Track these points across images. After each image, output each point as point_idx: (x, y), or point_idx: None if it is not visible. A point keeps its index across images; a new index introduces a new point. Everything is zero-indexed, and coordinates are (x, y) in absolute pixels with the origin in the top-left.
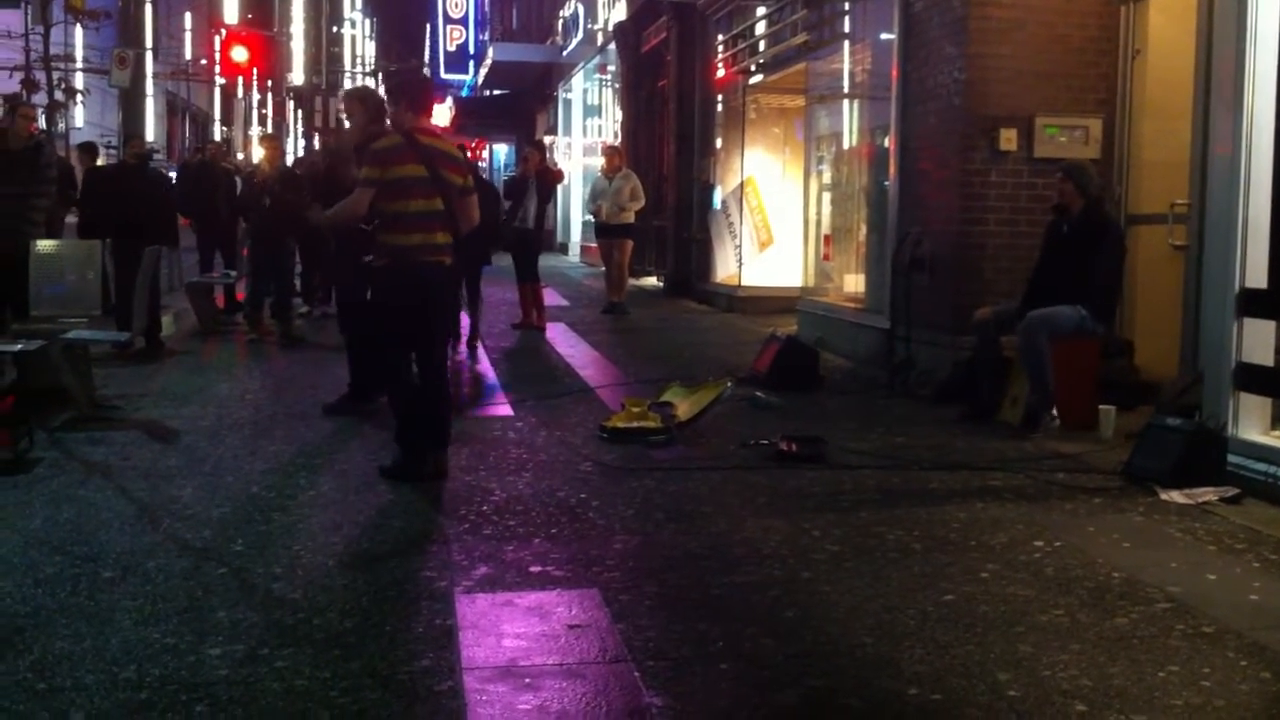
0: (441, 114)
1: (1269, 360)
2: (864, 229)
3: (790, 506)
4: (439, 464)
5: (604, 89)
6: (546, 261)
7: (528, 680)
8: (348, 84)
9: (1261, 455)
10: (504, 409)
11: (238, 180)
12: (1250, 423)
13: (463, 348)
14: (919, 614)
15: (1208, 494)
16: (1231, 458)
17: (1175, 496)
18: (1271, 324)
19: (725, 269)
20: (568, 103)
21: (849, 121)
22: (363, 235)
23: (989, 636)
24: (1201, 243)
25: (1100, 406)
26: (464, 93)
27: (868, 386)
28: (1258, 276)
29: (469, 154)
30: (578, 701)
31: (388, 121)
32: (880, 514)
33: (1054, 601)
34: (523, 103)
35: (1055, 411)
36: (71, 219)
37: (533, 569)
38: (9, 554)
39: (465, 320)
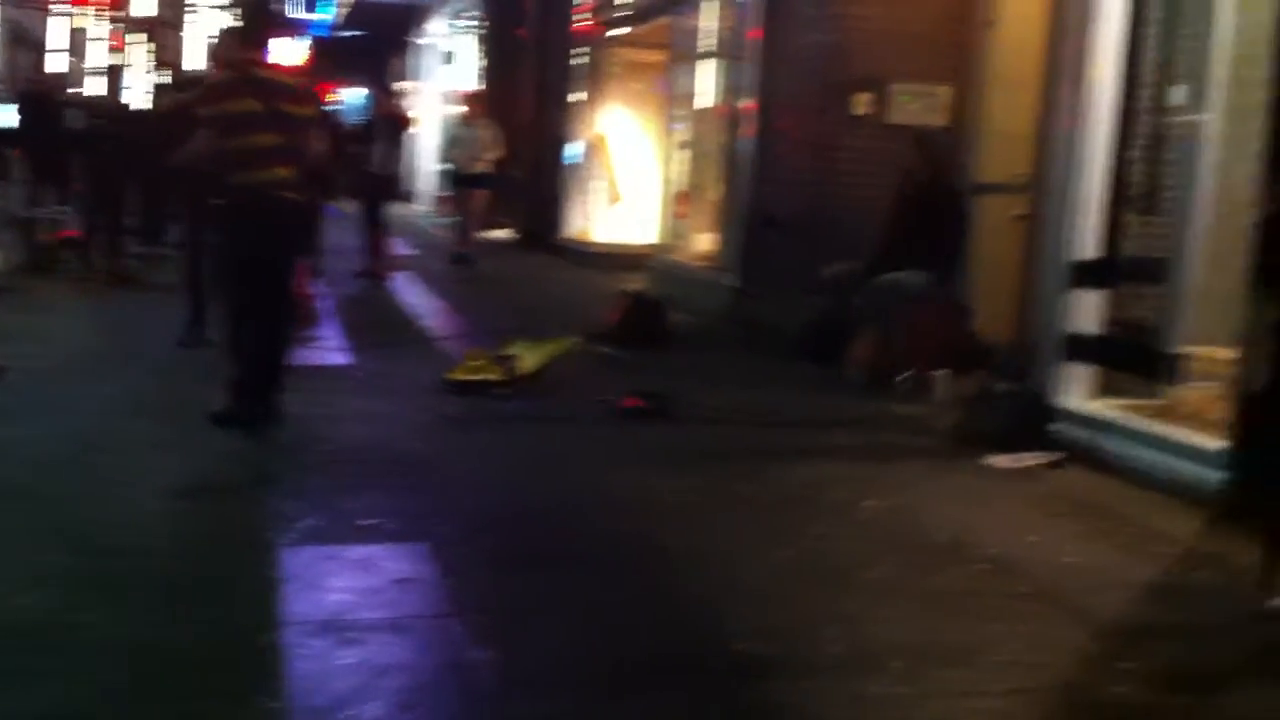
0: (298, 53)
1: (1096, 330)
2: (717, 186)
3: (633, 462)
4: (273, 410)
5: (461, 37)
6: (395, 210)
7: (351, 634)
8: (193, 18)
9: (1084, 422)
10: (343, 357)
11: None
12: (1076, 390)
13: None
14: (754, 570)
15: (1032, 459)
16: (1057, 423)
17: (1002, 460)
18: (1099, 295)
19: (578, 224)
20: (425, 49)
21: (709, 80)
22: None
23: (819, 592)
24: (1039, 213)
25: (939, 370)
26: (321, 32)
27: (717, 344)
28: (1089, 249)
29: (320, 93)
30: (401, 656)
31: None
32: (723, 470)
33: (882, 559)
34: (380, 46)
35: (899, 373)
36: None
37: (363, 521)
38: None
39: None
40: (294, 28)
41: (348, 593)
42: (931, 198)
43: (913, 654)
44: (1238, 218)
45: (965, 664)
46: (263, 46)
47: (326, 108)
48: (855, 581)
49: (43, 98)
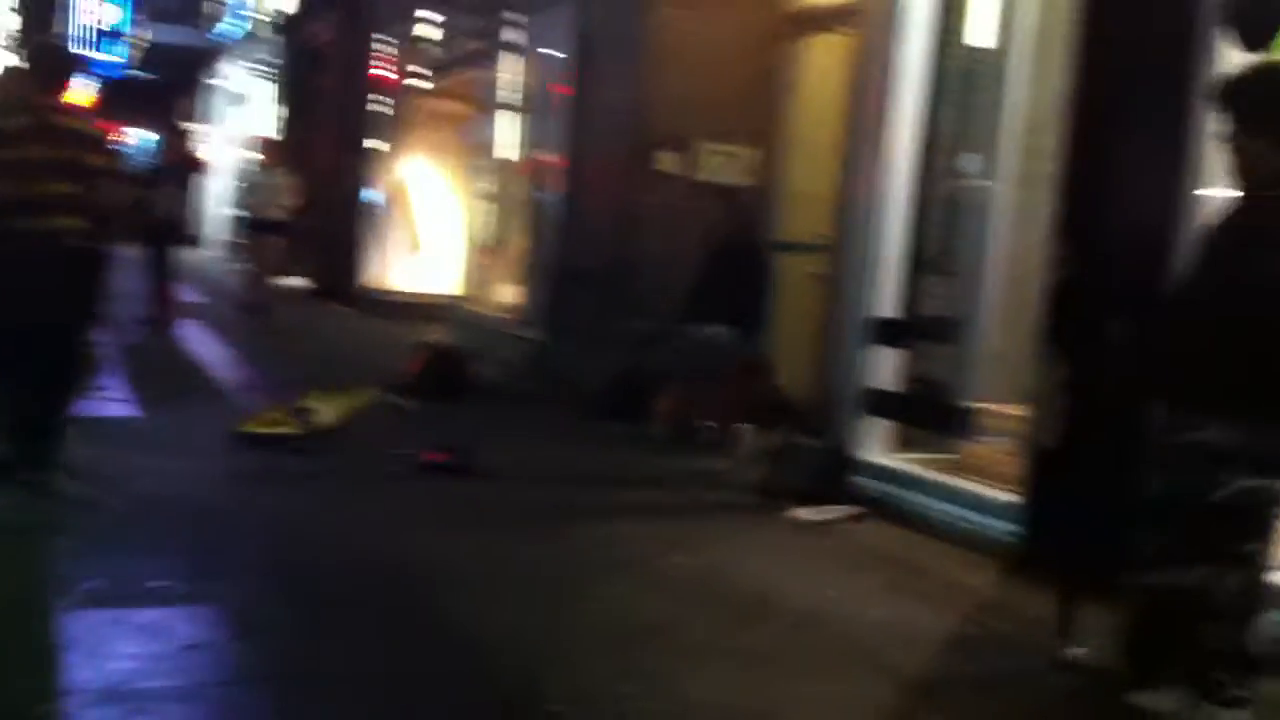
0: (86, 94)
1: (894, 386)
2: (523, 240)
3: (434, 520)
4: (51, 460)
5: (257, 81)
6: (184, 255)
7: (136, 704)
8: None
9: (884, 476)
10: (129, 409)
11: None
12: (875, 445)
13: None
14: (561, 632)
15: (834, 512)
16: (858, 478)
17: (805, 514)
18: (897, 352)
19: (377, 273)
20: (217, 91)
21: (512, 133)
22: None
23: (627, 653)
24: (838, 273)
25: (743, 425)
26: (111, 74)
27: (520, 398)
28: (889, 307)
29: (111, 138)
30: None
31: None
32: (526, 529)
33: (690, 617)
34: (172, 88)
35: (703, 429)
36: None
37: (151, 584)
38: None
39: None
40: (88, 69)
41: (133, 659)
42: (736, 255)
43: (723, 714)
44: (1027, 281)
45: None
46: (61, 91)
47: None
48: (664, 641)
49: None
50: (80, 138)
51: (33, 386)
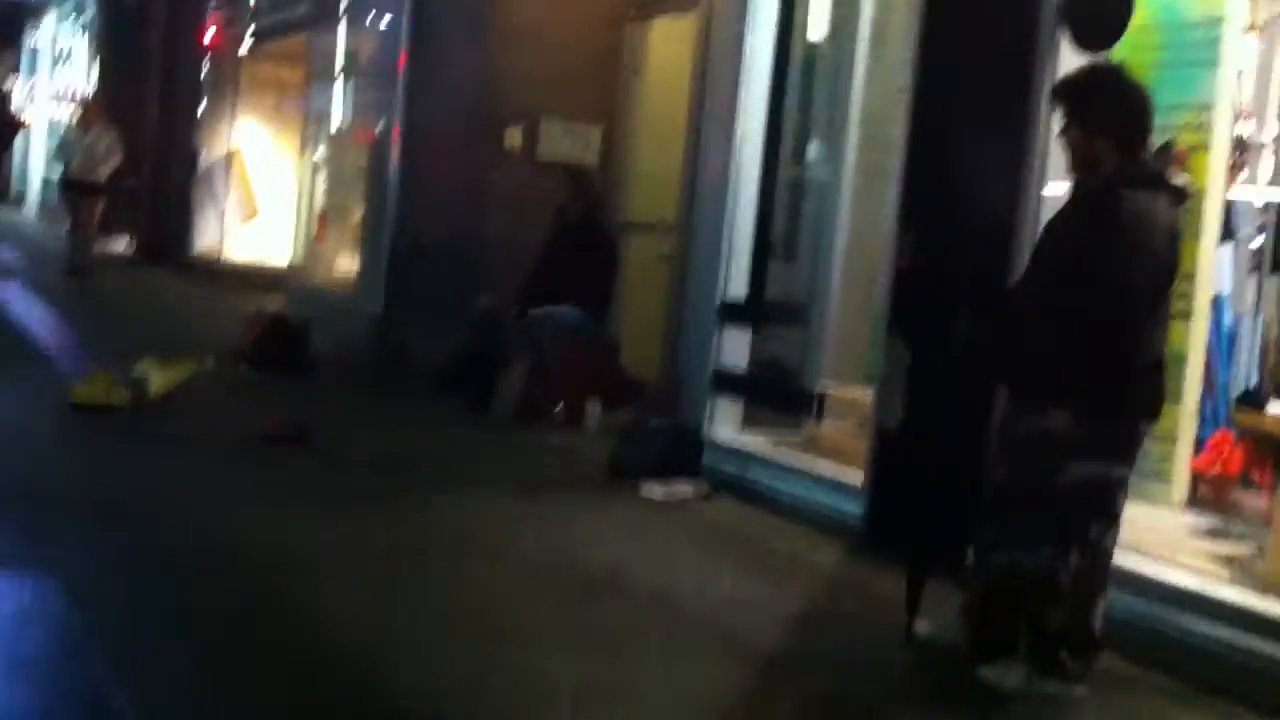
0: None
1: (742, 367)
2: (359, 210)
3: (275, 496)
4: None
5: (79, 36)
6: (4, 215)
7: None
8: None
9: (733, 455)
10: None
11: None
12: (724, 424)
13: None
14: (408, 619)
15: (685, 489)
16: (707, 457)
17: (656, 492)
18: (746, 333)
19: (208, 240)
20: (36, 48)
21: (350, 102)
22: None
23: (478, 639)
24: (687, 254)
25: (588, 403)
26: None
27: (360, 372)
28: (737, 289)
29: None
30: (27, 699)
31: None
32: (369, 511)
33: (538, 598)
34: None
35: (552, 406)
36: None
37: None
38: None
39: None
40: None
41: None
42: (583, 234)
43: (579, 695)
44: (872, 267)
45: (633, 701)
46: None
47: None
48: (515, 625)
49: None
50: None
51: None
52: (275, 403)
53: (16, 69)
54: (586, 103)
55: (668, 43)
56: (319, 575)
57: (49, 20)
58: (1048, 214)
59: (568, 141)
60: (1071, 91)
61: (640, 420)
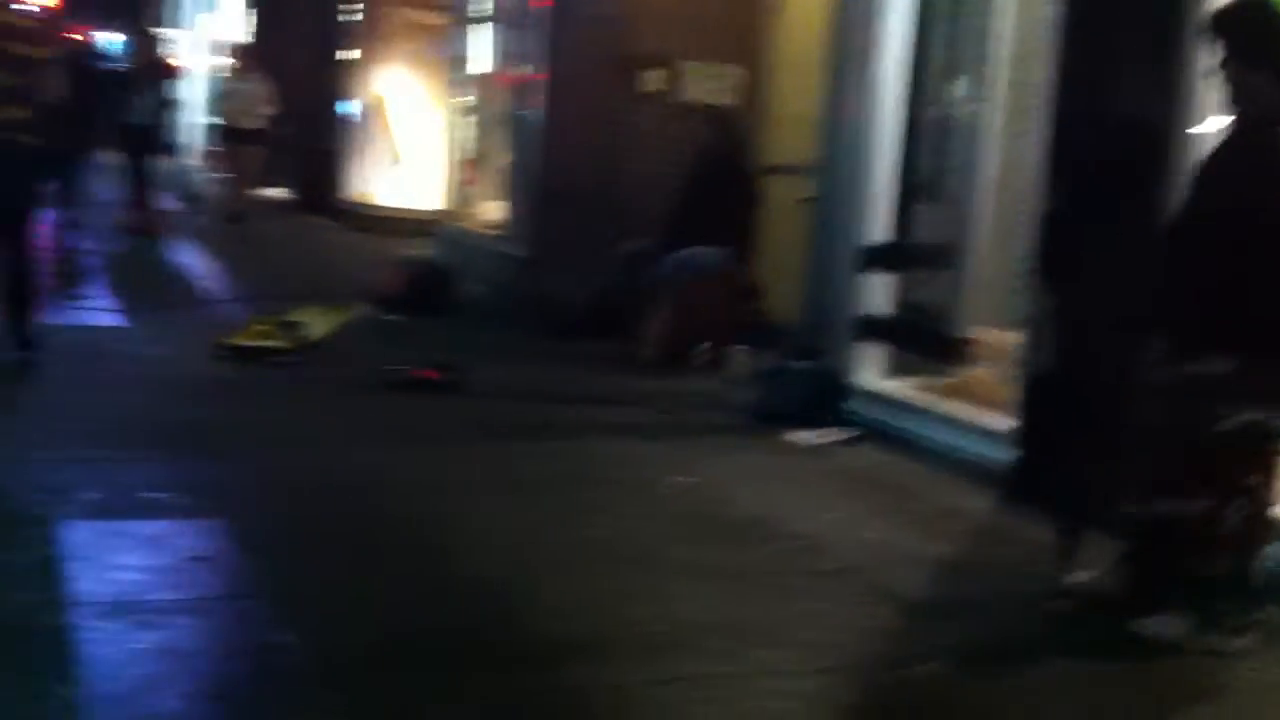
0: None
1: (886, 312)
2: (505, 156)
3: (426, 436)
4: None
5: None
6: (163, 163)
7: (144, 616)
8: None
9: (878, 401)
10: (114, 318)
11: None
12: (868, 369)
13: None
14: (559, 550)
15: (829, 435)
16: (851, 402)
17: (800, 437)
18: (889, 277)
19: (359, 186)
20: None
21: (492, 46)
22: None
23: (622, 573)
24: (826, 197)
25: (733, 346)
26: None
27: (505, 316)
28: (880, 232)
29: (79, 39)
30: (200, 639)
31: None
32: (519, 447)
33: (686, 539)
34: None
35: (694, 349)
36: None
37: (147, 495)
38: None
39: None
40: None
41: (139, 571)
42: (724, 176)
43: (722, 633)
44: (1018, 206)
45: (775, 643)
46: None
47: (77, 50)
48: (659, 561)
49: None
50: (15, 31)
51: None
52: (423, 346)
53: (166, 16)
54: (726, 43)
55: None
56: (468, 504)
57: None
58: (1199, 151)
59: (708, 83)
60: (1226, 23)
61: (783, 364)
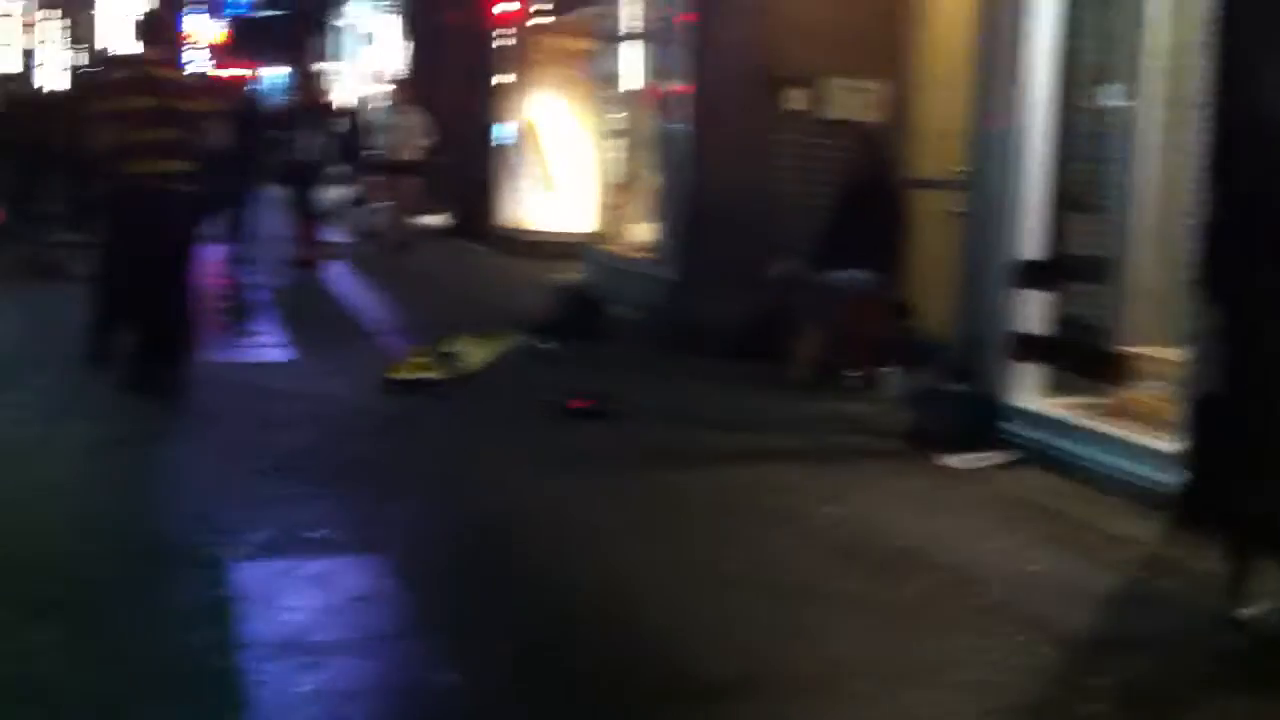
0: (214, 33)
1: (1042, 329)
2: (653, 178)
3: (577, 467)
4: (171, 381)
5: (384, 17)
6: (326, 196)
7: (312, 657)
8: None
9: (1035, 422)
10: (280, 353)
11: None
12: (1025, 388)
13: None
14: (708, 584)
15: (986, 459)
16: (1008, 424)
17: (954, 461)
18: (1045, 293)
19: (510, 211)
20: (342, 30)
21: (640, 69)
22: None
23: (777, 607)
24: (976, 212)
25: (883, 368)
26: (237, 10)
27: (655, 339)
28: (1032, 246)
29: (243, 78)
30: (364, 680)
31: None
32: (668, 476)
33: (840, 570)
34: (298, 27)
35: (846, 371)
36: None
37: (313, 533)
38: None
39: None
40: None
41: (305, 611)
42: (872, 193)
43: (880, 673)
44: (1178, 215)
45: (934, 684)
46: (158, 45)
47: (240, 96)
48: (813, 595)
49: None
50: (174, 86)
51: (150, 318)
52: (577, 374)
53: (326, 50)
54: (871, 58)
55: None
56: (622, 538)
57: (355, 3)
58: None
59: (853, 99)
60: None
61: (936, 385)
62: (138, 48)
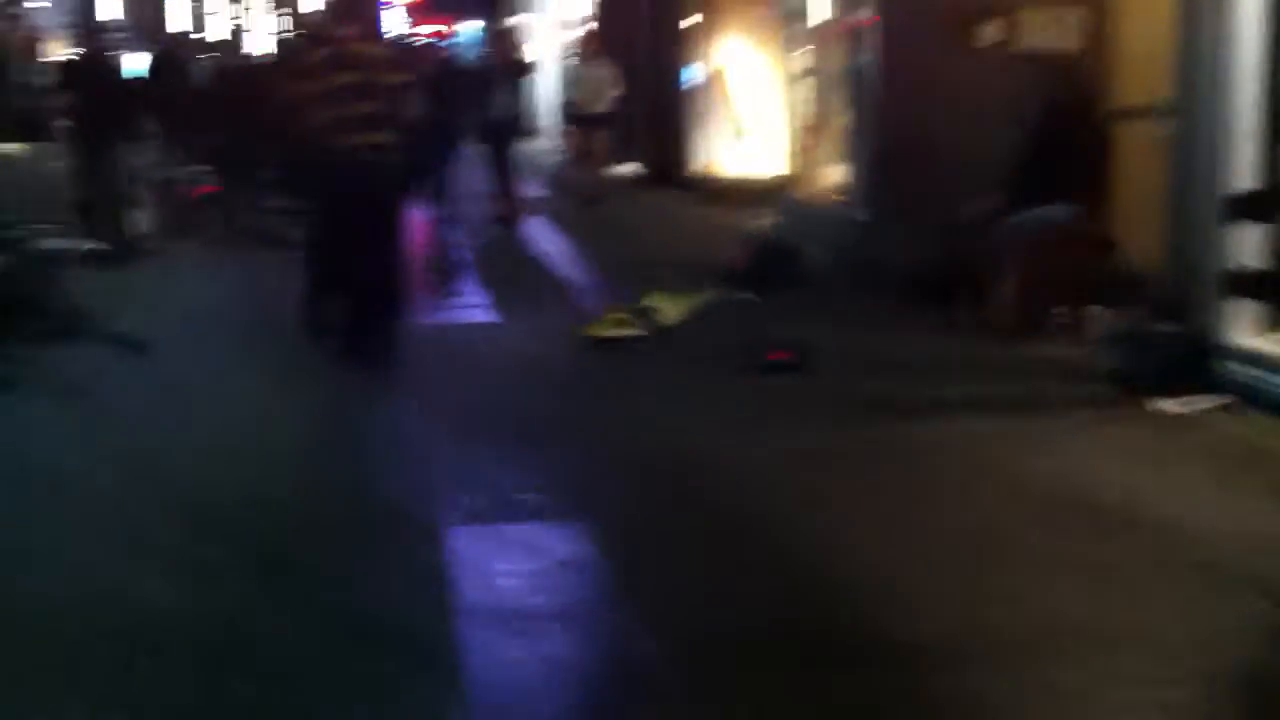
0: None
1: (1258, 263)
2: (843, 119)
3: (776, 421)
4: (382, 348)
5: None
6: (522, 151)
7: (520, 624)
8: None
9: (1253, 360)
10: (482, 314)
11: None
12: (1240, 327)
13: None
14: (912, 542)
15: (1199, 403)
16: (1222, 366)
17: (1166, 405)
18: (1260, 227)
19: (702, 158)
20: None
21: (828, 4)
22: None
23: (978, 566)
24: (1185, 141)
25: (1087, 308)
26: None
27: (850, 285)
28: (1244, 178)
29: (439, 34)
30: (571, 648)
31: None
32: (867, 430)
33: (1047, 526)
34: None
35: (1046, 313)
36: None
37: (520, 496)
38: None
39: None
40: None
41: (514, 577)
42: (1070, 126)
43: (1083, 635)
44: None
45: (1141, 647)
46: (355, 22)
47: (435, 61)
48: (1017, 552)
49: (170, 56)
50: (374, 61)
51: (361, 287)
52: (773, 324)
53: (520, 4)
54: None
55: None
56: (819, 494)
57: None
58: None
59: (1048, 28)
60: None
61: (1144, 326)
62: (335, 24)
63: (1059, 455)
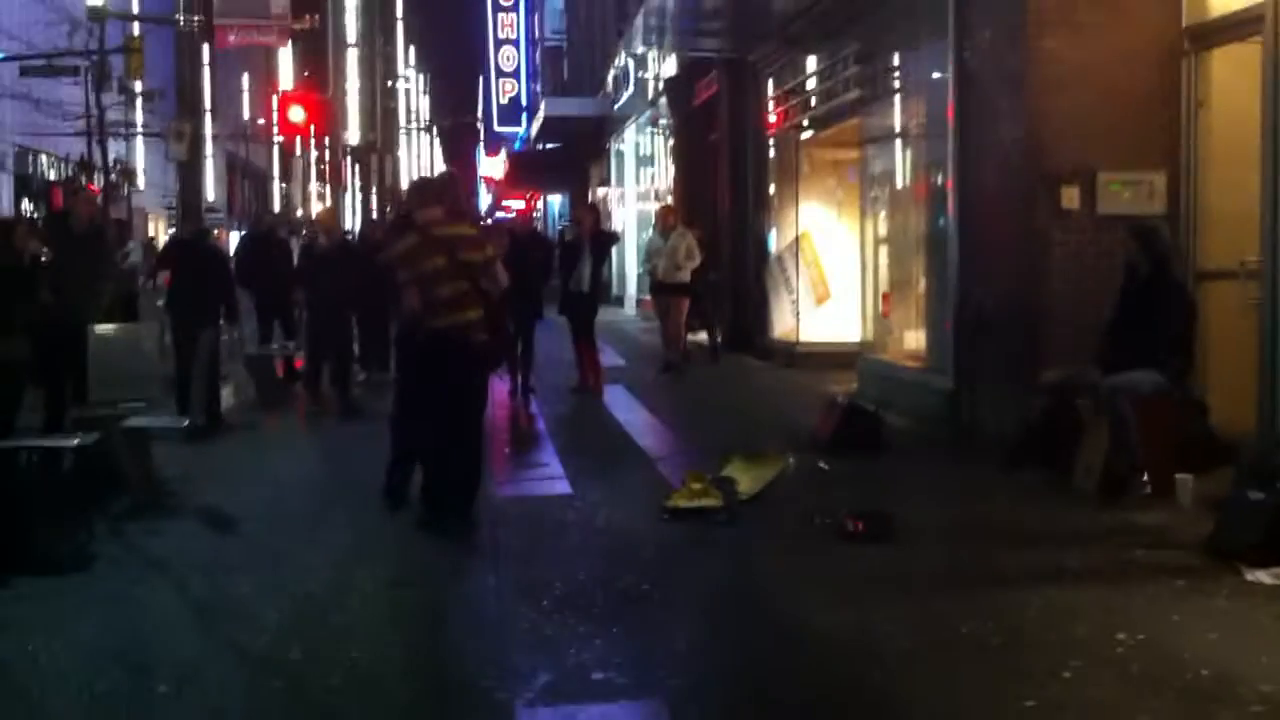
0: (495, 167)
1: None
2: (923, 283)
3: (858, 594)
4: (462, 520)
5: (656, 140)
6: (603, 315)
7: None
8: (403, 140)
9: None
10: (562, 485)
11: (293, 247)
12: None
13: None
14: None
15: None
16: None
17: (1263, 577)
18: None
19: (783, 324)
20: (620, 154)
21: (905, 177)
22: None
23: None
24: (1274, 303)
25: (1178, 474)
26: (517, 145)
27: (932, 451)
28: None
29: (525, 204)
30: None
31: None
32: (952, 602)
33: (1141, 705)
34: (576, 154)
35: (1137, 478)
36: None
37: (595, 675)
38: (64, 667)
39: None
40: (496, 144)
41: None
42: (1155, 290)
43: None
44: None
45: None
46: (441, 204)
47: (520, 236)
48: None
49: (264, 236)
50: (461, 241)
51: (444, 459)
52: (853, 491)
53: (606, 176)
54: (1145, 147)
55: (1233, 70)
56: (902, 670)
57: (630, 129)
58: None
59: (1129, 192)
60: None
61: (1239, 492)
62: (427, 208)
63: (1151, 628)
